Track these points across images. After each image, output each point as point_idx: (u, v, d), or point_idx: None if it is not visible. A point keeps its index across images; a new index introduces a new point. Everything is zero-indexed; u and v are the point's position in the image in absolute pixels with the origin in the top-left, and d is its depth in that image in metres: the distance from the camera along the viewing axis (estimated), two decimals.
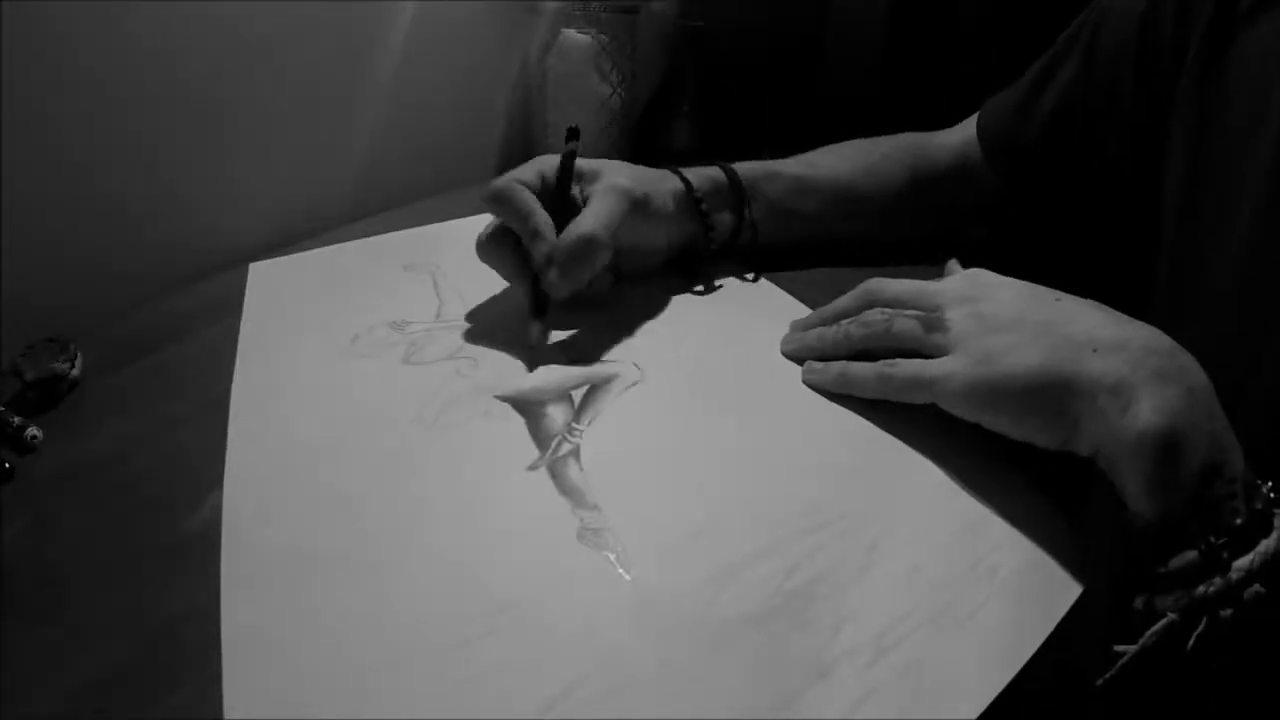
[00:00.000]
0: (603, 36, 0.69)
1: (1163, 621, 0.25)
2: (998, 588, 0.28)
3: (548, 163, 0.44)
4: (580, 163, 0.44)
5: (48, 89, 0.43)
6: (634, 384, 0.38)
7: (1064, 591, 0.28)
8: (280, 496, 0.31)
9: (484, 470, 0.33)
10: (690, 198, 0.46)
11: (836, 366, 0.37)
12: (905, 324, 0.35)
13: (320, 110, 0.59)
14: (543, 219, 0.40)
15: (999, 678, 0.25)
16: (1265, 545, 0.24)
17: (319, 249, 0.52)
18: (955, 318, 0.33)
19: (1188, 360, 0.28)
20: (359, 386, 0.38)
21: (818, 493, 0.32)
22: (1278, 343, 0.32)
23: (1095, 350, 0.29)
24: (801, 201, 0.49)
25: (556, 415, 0.36)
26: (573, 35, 0.69)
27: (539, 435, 0.35)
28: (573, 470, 0.33)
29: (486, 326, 0.43)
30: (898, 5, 0.80)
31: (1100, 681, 0.25)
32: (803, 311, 0.44)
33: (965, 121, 0.52)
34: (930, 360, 0.33)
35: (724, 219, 0.48)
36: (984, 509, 0.31)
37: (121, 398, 0.38)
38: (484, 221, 0.45)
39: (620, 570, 0.28)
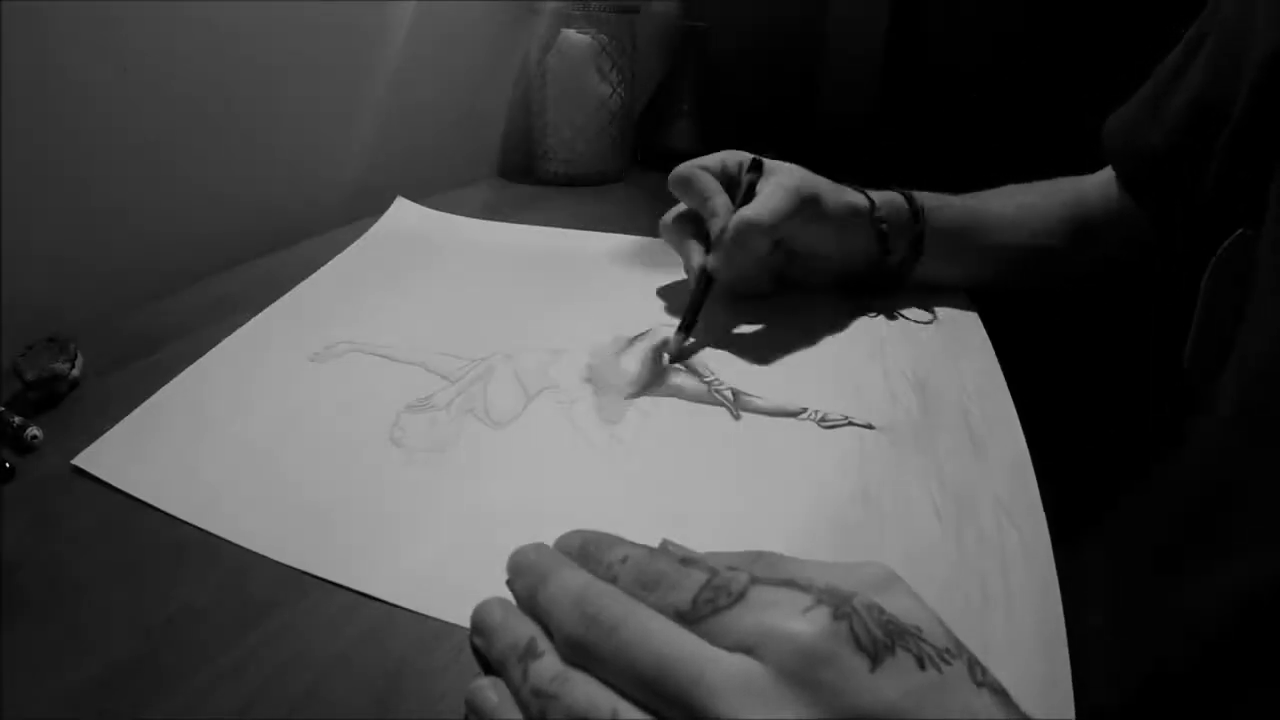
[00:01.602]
0: (602, 36, 0.69)
1: None
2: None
3: (732, 156, 0.45)
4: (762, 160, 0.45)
5: (48, 89, 0.42)
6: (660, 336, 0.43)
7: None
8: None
9: (711, 440, 0.35)
10: (871, 214, 0.46)
11: None
12: None
13: (320, 110, 0.59)
14: (723, 200, 0.42)
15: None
16: None
17: (169, 385, 0.38)
18: None
19: None
20: (492, 463, 0.33)
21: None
22: None
23: None
24: (971, 234, 0.48)
25: (685, 381, 0.39)
26: (573, 35, 0.69)
27: (698, 399, 0.38)
28: (758, 399, 0.37)
29: (506, 358, 0.41)
30: (898, 5, 0.80)
31: None
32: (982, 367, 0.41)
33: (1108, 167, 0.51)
34: None
35: (900, 244, 0.47)
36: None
37: (121, 398, 0.38)
38: (329, 279, 0.50)
39: (864, 429, 0.35)
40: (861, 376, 0.39)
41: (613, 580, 0.21)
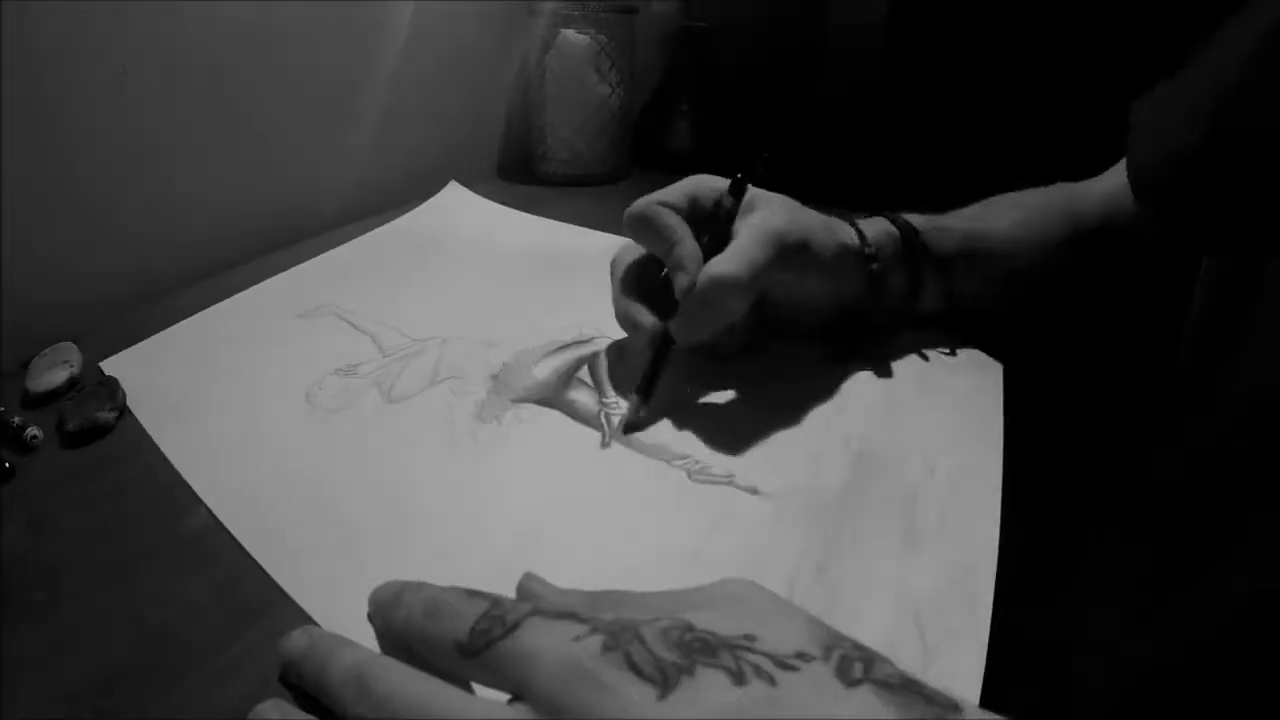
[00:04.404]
0: (601, 36, 0.69)
1: None
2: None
3: (704, 185, 0.38)
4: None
5: (48, 89, 0.43)
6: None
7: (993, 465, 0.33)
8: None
9: (565, 464, 0.33)
10: (861, 252, 0.39)
11: None
12: None
13: (320, 110, 0.59)
14: (690, 249, 0.35)
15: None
16: None
17: (186, 320, 0.45)
18: None
19: None
20: (363, 437, 0.34)
21: (839, 399, 0.36)
22: None
23: None
24: (974, 263, 0.41)
25: (584, 397, 0.37)
26: (572, 35, 0.69)
27: (583, 418, 0.36)
28: (640, 434, 0.35)
29: (441, 343, 0.42)
30: (898, 5, 0.80)
31: None
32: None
33: (1112, 169, 0.43)
34: None
35: (896, 280, 0.40)
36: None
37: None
38: (357, 249, 0.50)
39: (744, 492, 0.31)
40: (806, 439, 0.34)
41: (407, 615, 0.21)
